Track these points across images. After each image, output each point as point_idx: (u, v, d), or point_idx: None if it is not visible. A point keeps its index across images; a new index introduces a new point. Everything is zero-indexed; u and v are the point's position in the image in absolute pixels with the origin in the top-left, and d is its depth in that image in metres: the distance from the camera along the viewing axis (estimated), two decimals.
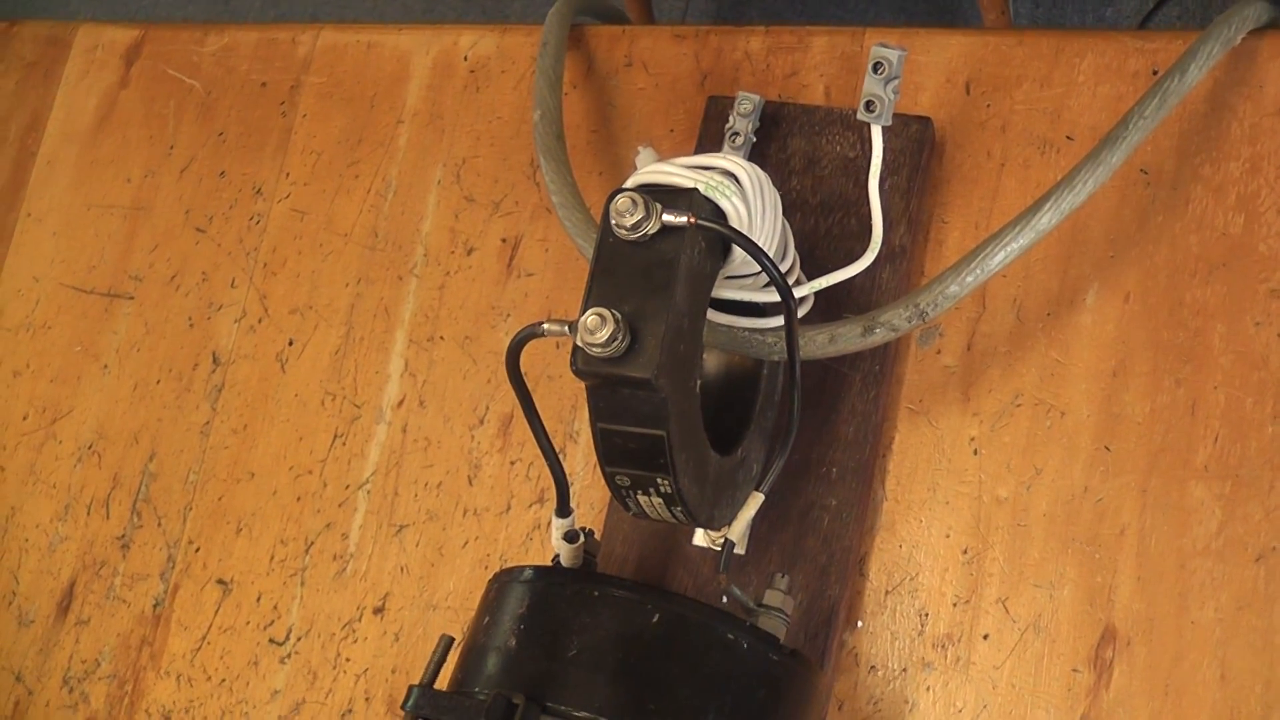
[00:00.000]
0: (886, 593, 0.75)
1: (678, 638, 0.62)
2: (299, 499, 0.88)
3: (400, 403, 0.87)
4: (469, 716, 0.61)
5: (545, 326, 0.62)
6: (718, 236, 0.63)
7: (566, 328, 0.62)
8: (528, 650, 0.63)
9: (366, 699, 0.82)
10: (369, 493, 0.86)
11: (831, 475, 0.75)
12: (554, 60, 0.84)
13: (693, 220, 0.61)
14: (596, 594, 0.64)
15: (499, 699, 0.59)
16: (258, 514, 0.88)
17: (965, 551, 0.74)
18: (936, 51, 0.82)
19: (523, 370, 0.65)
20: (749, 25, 0.86)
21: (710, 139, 0.82)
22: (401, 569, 0.84)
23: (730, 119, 0.80)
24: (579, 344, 0.60)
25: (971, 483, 0.75)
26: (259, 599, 0.87)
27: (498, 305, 0.86)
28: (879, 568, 0.75)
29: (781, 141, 0.81)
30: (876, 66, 0.69)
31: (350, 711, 0.82)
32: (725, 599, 0.67)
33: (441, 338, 0.87)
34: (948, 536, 0.74)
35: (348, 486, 0.87)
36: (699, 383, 0.65)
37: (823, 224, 0.79)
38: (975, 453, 0.75)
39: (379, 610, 0.83)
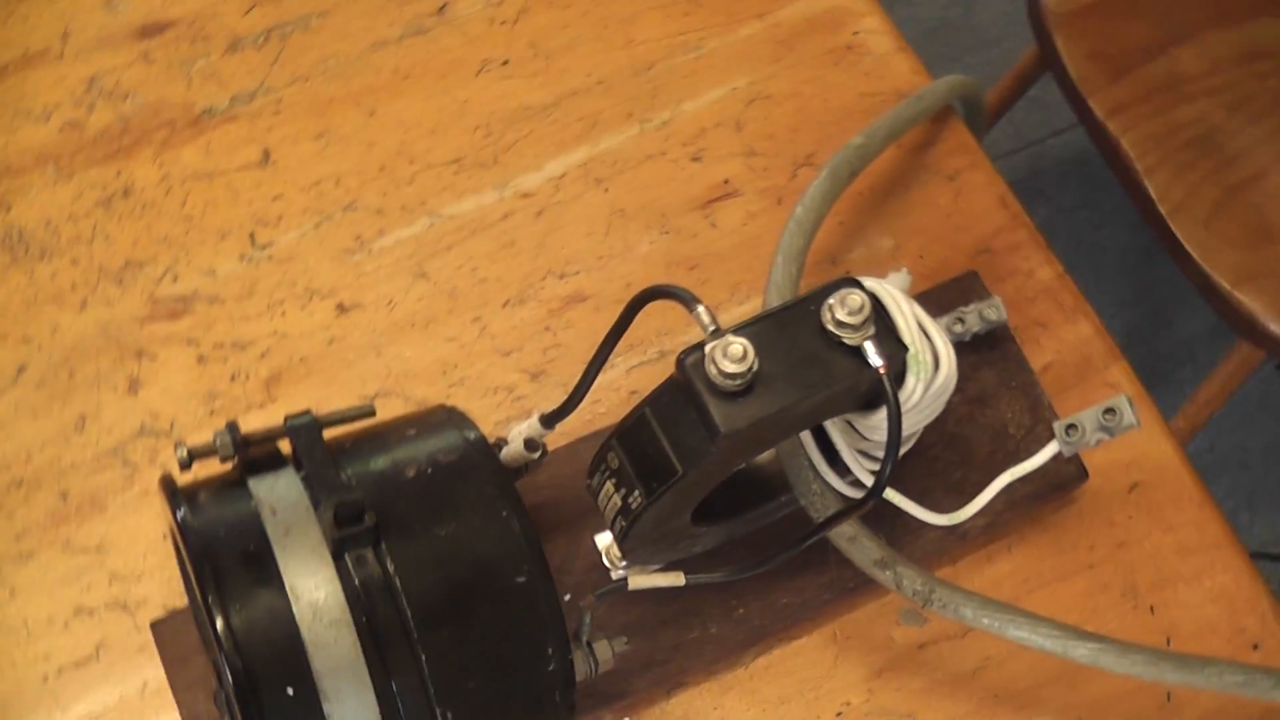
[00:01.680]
0: None
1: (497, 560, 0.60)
2: None
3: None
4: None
5: (700, 309, 0.60)
6: (881, 398, 0.60)
7: (712, 328, 0.59)
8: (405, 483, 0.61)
9: None
10: None
11: (737, 614, 0.73)
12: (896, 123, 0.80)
13: (882, 371, 0.58)
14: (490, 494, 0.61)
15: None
16: None
17: None
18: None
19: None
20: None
21: (940, 299, 0.79)
22: None
23: (971, 307, 0.77)
24: (708, 351, 0.57)
25: None
26: None
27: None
28: None
29: (979, 358, 0.79)
30: (1109, 411, 0.67)
31: None
32: (580, 608, 0.65)
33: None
34: None
35: None
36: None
37: (943, 453, 0.77)
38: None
39: None
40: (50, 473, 0.77)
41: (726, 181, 0.84)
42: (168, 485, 0.61)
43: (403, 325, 0.81)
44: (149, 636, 0.73)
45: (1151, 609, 0.77)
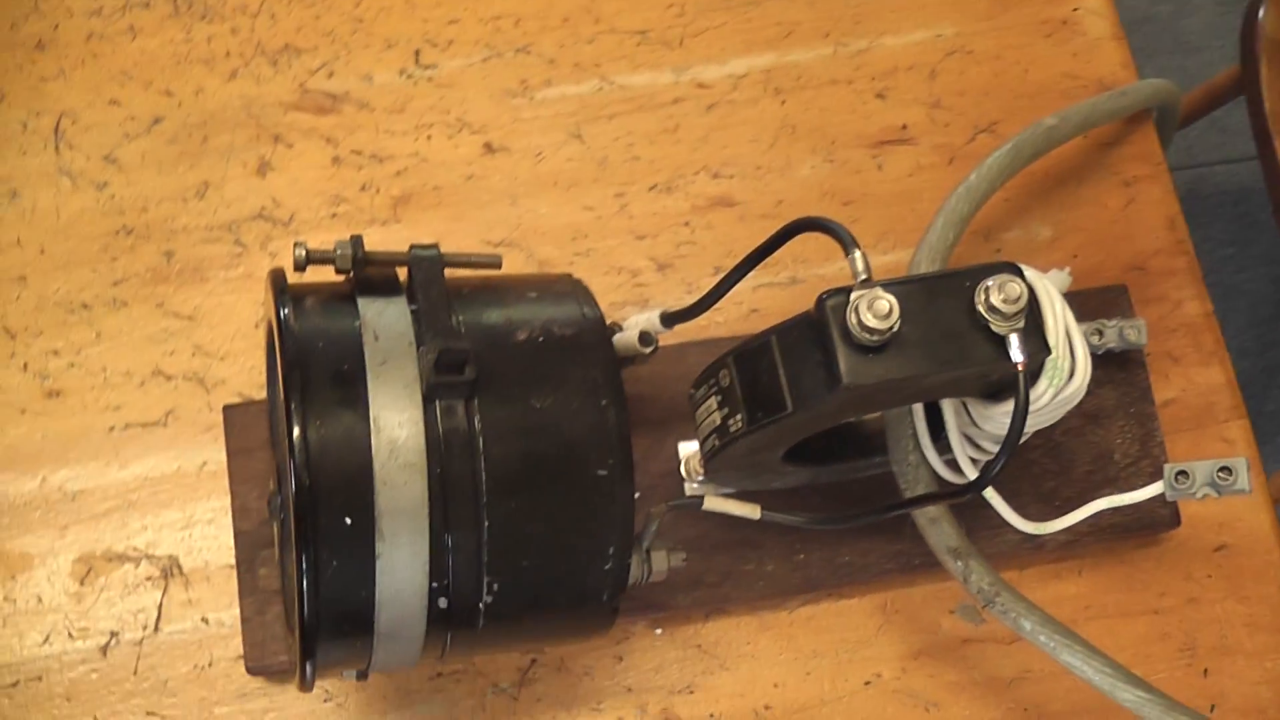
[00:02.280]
0: None
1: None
2: None
3: None
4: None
5: (857, 254, 0.58)
6: (1008, 392, 0.58)
7: (864, 277, 0.57)
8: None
9: None
10: None
11: (796, 559, 0.72)
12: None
13: (1020, 368, 0.56)
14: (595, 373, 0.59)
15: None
16: None
17: None
18: None
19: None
20: None
21: (1083, 305, 0.76)
22: None
23: (1114, 323, 0.74)
24: (853, 299, 0.55)
25: None
26: None
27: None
28: None
29: (1105, 375, 0.76)
30: (1225, 470, 0.64)
31: None
32: (650, 514, 0.64)
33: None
34: None
35: None
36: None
37: (1042, 459, 0.75)
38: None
39: None
40: (161, 230, 0.76)
41: (904, 127, 0.81)
42: (278, 280, 0.59)
43: (545, 181, 0.79)
44: (219, 418, 0.72)
45: (1205, 672, 0.75)
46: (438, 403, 0.56)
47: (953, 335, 0.57)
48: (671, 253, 0.78)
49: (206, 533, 0.72)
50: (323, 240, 0.61)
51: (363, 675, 0.66)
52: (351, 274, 0.60)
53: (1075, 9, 0.84)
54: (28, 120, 0.77)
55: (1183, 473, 0.65)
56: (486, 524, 0.56)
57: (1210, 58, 1.67)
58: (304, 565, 0.54)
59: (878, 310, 0.55)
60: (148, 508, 0.72)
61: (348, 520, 0.55)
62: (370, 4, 0.81)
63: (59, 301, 0.74)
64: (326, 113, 0.79)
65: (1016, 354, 0.56)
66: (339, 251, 0.59)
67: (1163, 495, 0.65)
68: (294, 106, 0.79)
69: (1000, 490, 0.72)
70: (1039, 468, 0.75)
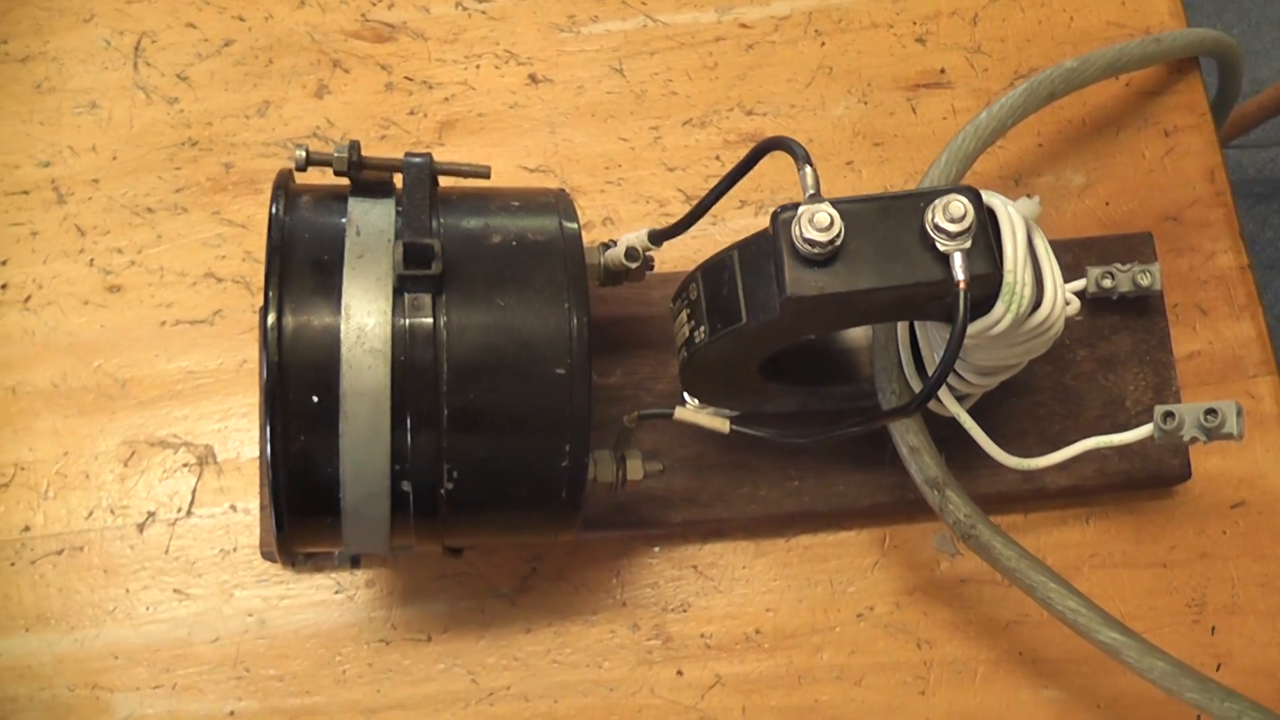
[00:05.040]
0: None
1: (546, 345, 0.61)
2: None
3: None
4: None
5: (807, 170, 0.59)
6: (958, 305, 0.58)
7: (811, 192, 0.58)
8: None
9: None
10: None
11: (790, 484, 0.74)
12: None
13: (961, 285, 0.57)
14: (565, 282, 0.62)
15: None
16: None
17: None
18: None
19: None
20: None
21: (1105, 251, 0.76)
22: None
23: (1127, 267, 0.74)
24: (800, 213, 0.57)
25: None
26: None
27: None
28: None
29: (1122, 321, 0.75)
30: (1211, 412, 0.63)
31: None
32: (623, 421, 0.66)
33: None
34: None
35: None
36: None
37: (1050, 401, 0.75)
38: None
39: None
40: (222, 143, 0.81)
41: (942, 71, 0.82)
42: (280, 178, 0.64)
43: (584, 112, 0.82)
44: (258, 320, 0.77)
45: (1213, 629, 0.74)
46: (406, 295, 0.60)
47: (900, 252, 0.58)
48: (700, 185, 0.80)
49: (240, 425, 0.77)
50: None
51: (355, 563, 0.70)
52: (348, 176, 0.64)
53: None
54: (111, 38, 0.83)
55: (1170, 414, 0.64)
56: (445, 412, 0.59)
57: None
58: (272, 438, 0.58)
59: (818, 223, 0.56)
60: (190, 399, 0.77)
61: (314, 399, 0.59)
62: None
63: (126, 204, 0.80)
64: (384, 40, 0.83)
65: (958, 272, 0.57)
66: (336, 154, 0.63)
67: (1152, 437, 0.65)
68: (354, 34, 0.83)
69: (1005, 433, 0.73)
70: (1046, 409, 0.75)
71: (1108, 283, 0.74)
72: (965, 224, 0.57)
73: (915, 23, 0.83)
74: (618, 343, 0.75)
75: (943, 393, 0.67)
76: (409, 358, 0.59)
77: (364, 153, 0.63)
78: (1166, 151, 0.80)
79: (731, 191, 0.66)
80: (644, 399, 0.75)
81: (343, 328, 0.59)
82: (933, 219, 0.57)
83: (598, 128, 0.81)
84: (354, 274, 0.60)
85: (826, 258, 0.57)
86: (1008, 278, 0.59)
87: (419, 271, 0.59)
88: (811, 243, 0.56)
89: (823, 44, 0.83)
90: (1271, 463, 0.75)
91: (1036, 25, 0.83)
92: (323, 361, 0.59)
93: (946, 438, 0.70)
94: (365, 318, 0.59)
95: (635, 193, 0.80)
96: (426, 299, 0.60)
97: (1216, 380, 0.76)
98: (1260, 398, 0.76)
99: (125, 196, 0.80)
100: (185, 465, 0.76)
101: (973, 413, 0.68)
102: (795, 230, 0.57)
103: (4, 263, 0.79)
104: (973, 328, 0.60)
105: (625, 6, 0.84)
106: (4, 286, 0.78)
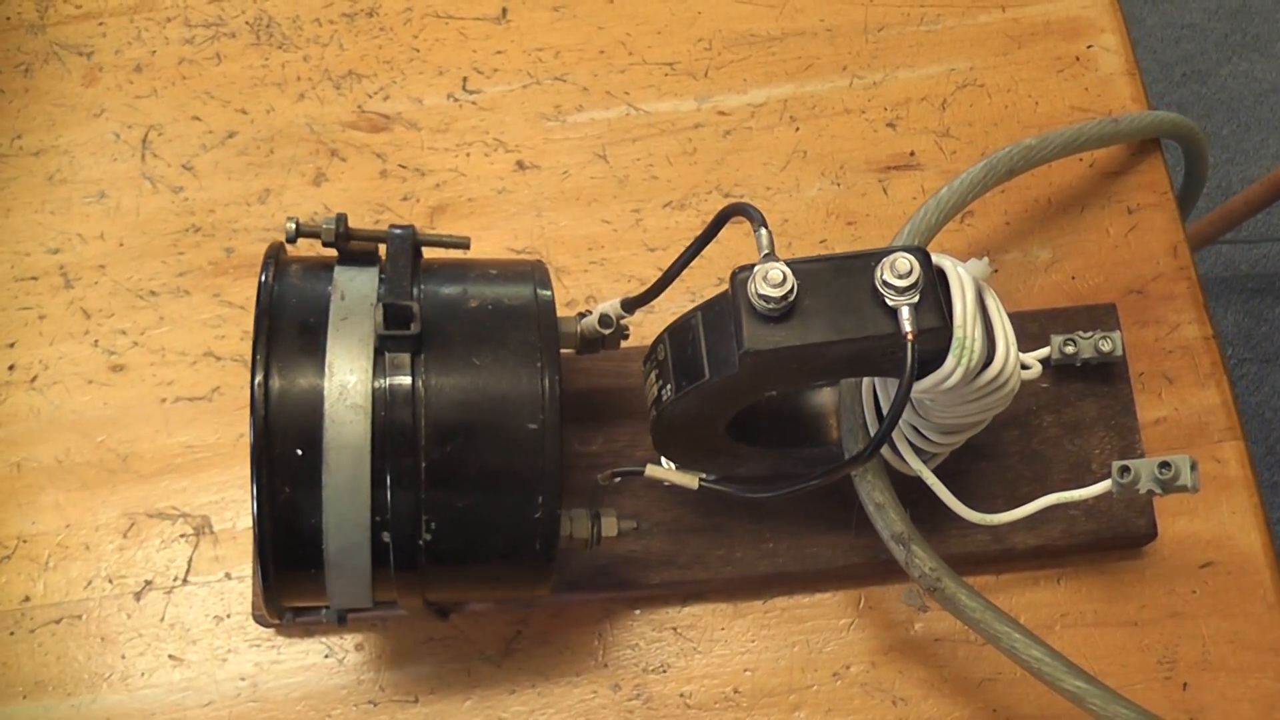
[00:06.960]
0: None
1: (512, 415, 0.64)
2: None
3: None
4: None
5: (762, 232, 0.63)
6: (906, 356, 0.61)
7: (766, 252, 0.62)
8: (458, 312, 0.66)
9: None
10: None
11: (765, 546, 0.76)
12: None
13: (909, 338, 0.59)
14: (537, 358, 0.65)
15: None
16: None
17: None
18: None
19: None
20: None
21: (1069, 320, 0.79)
22: None
23: (1089, 334, 0.77)
24: (755, 272, 0.60)
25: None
26: None
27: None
28: None
29: (1087, 387, 0.78)
30: (1165, 465, 0.65)
31: None
32: (598, 479, 0.69)
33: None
34: None
35: None
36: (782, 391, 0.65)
37: (1018, 465, 0.77)
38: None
39: None
40: (224, 229, 0.85)
41: (912, 154, 0.86)
42: (271, 250, 0.67)
43: (569, 196, 0.86)
44: None
45: (1185, 686, 0.75)
46: (387, 355, 0.63)
47: (852, 308, 0.60)
48: None
49: (236, 496, 0.79)
50: None
51: (342, 620, 0.72)
52: (336, 246, 0.67)
53: (1089, 46, 0.87)
54: (120, 131, 0.88)
55: (1126, 468, 0.66)
56: (424, 465, 0.62)
57: None
58: (258, 491, 0.61)
59: (771, 279, 0.59)
60: (188, 472, 0.80)
61: (299, 452, 0.62)
62: (427, 36, 0.90)
63: (131, 288, 0.84)
64: (379, 130, 0.87)
65: (905, 324, 0.60)
66: (325, 225, 0.67)
67: (1110, 493, 0.67)
68: (351, 125, 0.88)
69: (974, 495, 0.75)
70: (1014, 473, 0.77)
71: (1070, 349, 0.76)
72: (912, 279, 0.59)
73: (886, 108, 0.87)
74: (599, 412, 0.78)
75: (906, 451, 0.70)
76: (389, 413, 0.62)
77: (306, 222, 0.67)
78: (1130, 228, 0.83)
79: (708, 268, 0.70)
80: (623, 464, 0.77)
81: (326, 385, 0.62)
82: (881, 275, 0.60)
83: (582, 211, 0.85)
84: (338, 335, 0.63)
85: (781, 313, 0.60)
86: (957, 332, 0.61)
87: (399, 332, 0.63)
88: (766, 299, 0.59)
89: (797, 129, 0.86)
90: (1238, 525, 0.77)
91: (1003, 110, 0.86)
92: (307, 416, 0.62)
93: (916, 499, 0.72)
94: (348, 375, 0.62)
95: (617, 272, 0.83)
96: (406, 358, 0.63)
97: (1182, 445, 0.78)
98: (1225, 461, 0.78)
99: (130, 281, 0.84)
100: (182, 535, 0.79)
101: (942, 477, 0.71)
102: (751, 288, 0.60)
103: (12, 345, 0.83)
104: (925, 382, 0.62)
105: (609, 96, 0.88)
106: (11, 368, 0.82)
